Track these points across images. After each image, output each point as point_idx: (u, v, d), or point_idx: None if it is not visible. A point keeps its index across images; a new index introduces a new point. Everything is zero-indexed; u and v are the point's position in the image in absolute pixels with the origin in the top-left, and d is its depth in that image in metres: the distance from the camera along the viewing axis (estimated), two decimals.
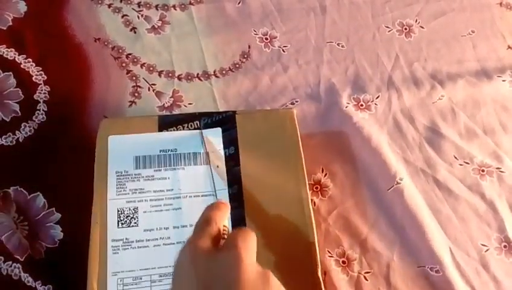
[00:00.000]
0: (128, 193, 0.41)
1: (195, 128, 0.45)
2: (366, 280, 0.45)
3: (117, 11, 0.58)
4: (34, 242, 0.45)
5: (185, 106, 0.53)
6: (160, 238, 0.40)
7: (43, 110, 0.51)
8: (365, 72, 0.57)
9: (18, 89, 0.51)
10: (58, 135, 0.50)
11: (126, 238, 0.39)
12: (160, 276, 0.38)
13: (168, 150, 0.43)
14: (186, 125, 0.45)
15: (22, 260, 0.43)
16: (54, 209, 0.46)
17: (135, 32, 0.57)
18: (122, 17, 0.58)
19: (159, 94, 0.53)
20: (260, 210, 0.42)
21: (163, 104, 0.53)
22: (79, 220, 0.46)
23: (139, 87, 0.53)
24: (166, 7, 0.59)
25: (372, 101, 0.55)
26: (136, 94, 0.53)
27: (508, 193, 0.51)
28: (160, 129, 0.44)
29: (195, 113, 0.46)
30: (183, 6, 0.60)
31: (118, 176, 0.41)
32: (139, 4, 0.59)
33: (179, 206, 0.41)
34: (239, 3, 0.61)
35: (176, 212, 0.41)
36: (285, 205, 0.42)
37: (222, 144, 0.44)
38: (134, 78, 0.54)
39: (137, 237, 0.39)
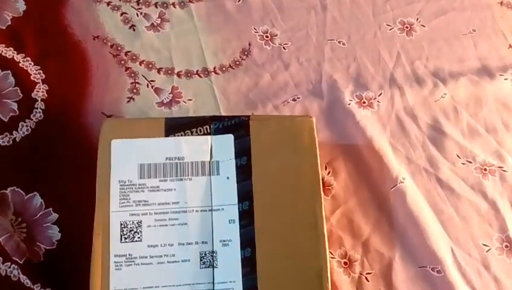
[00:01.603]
0: (132, 205, 0.39)
1: (204, 134, 0.42)
2: (368, 280, 0.45)
3: (116, 8, 0.58)
4: (32, 245, 0.44)
5: (185, 102, 0.52)
6: (165, 255, 0.38)
7: (40, 108, 0.50)
8: (367, 69, 0.57)
9: (16, 88, 0.51)
10: (56, 133, 0.49)
11: (129, 254, 0.37)
12: None
13: (175, 158, 0.40)
14: (195, 130, 0.42)
15: (21, 263, 0.43)
16: (51, 209, 0.46)
17: (134, 30, 0.57)
18: (121, 14, 0.58)
19: (158, 90, 0.53)
20: (272, 230, 0.39)
21: (162, 100, 0.52)
22: (77, 221, 0.45)
23: (138, 83, 0.53)
24: (165, 5, 0.59)
25: (374, 99, 0.54)
26: (135, 90, 0.53)
27: (510, 192, 0.50)
28: (167, 134, 0.41)
29: (205, 116, 0.43)
30: (182, 4, 0.59)
31: (121, 185, 0.39)
32: (138, 2, 0.59)
33: (185, 221, 0.38)
34: (239, 1, 0.60)
35: (181, 228, 0.38)
36: (298, 226, 0.40)
37: (233, 153, 0.41)
38: (133, 74, 0.53)
39: (140, 253, 0.37)
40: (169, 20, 0.58)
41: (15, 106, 0.50)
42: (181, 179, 0.40)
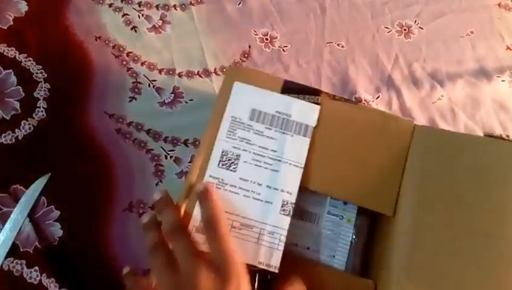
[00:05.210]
0: (237, 139, 0.42)
1: (314, 103, 0.44)
2: None
3: (118, 10, 0.58)
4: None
5: (186, 102, 0.53)
6: (252, 191, 0.40)
7: (42, 107, 0.51)
8: (365, 72, 0.57)
9: (19, 87, 0.51)
10: (58, 131, 0.50)
11: (222, 179, 0.40)
12: (241, 225, 0.39)
13: (283, 113, 0.43)
14: (308, 96, 0.44)
15: (31, 252, 0.44)
16: (53, 206, 0.46)
17: (136, 31, 0.57)
18: (123, 16, 0.58)
19: (159, 90, 0.54)
20: None
21: (164, 99, 0.53)
22: (78, 218, 0.46)
23: (139, 83, 0.54)
24: (166, 7, 0.60)
25: (372, 101, 0.55)
26: (136, 90, 0.53)
27: None
28: (283, 92, 0.44)
29: (319, 89, 0.46)
30: (183, 6, 0.60)
31: (232, 120, 0.42)
32: (139, 4, 0.59)
33: (278, 169, 0.41)
34: (239, 4, 0.61)
35: (272, 173, 0.41)
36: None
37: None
38: (134, 75, 0.54)
39: (231, 182, 0.40)
40: (170, 22, 0.59)
41: (17, 105, 0.50)
42: (284, 133, 0.42)
